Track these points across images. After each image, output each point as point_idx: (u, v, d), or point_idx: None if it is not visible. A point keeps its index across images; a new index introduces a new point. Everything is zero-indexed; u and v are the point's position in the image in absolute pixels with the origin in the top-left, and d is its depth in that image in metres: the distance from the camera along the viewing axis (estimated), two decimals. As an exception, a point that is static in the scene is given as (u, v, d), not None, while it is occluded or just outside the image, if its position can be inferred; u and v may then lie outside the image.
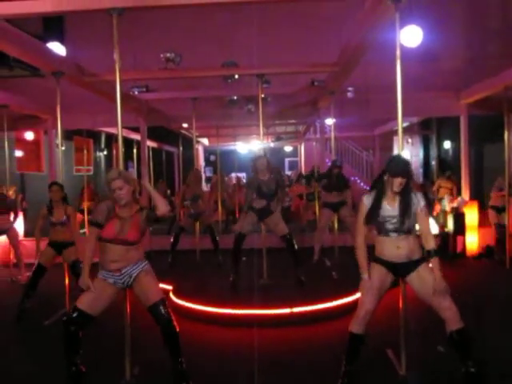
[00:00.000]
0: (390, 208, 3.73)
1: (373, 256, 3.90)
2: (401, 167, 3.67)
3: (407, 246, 3.76)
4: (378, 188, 3.81)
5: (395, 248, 3.76)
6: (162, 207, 3.83)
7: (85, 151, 12.32)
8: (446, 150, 14.01)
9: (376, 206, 3.75)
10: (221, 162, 13.40)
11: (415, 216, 3.76)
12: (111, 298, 3.94)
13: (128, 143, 14.07)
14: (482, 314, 5.89)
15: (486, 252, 9.75)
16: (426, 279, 3.76)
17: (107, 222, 3.80)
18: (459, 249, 9.91)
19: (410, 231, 3.77)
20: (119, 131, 4.42)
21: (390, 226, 3.73)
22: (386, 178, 3.73)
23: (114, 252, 3.83)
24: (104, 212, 3.82)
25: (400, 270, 3.83)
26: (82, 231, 11.95)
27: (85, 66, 6.83)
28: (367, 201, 3.82)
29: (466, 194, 10.30)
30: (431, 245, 3.81)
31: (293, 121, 13.82)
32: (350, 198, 8.39)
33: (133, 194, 3.84)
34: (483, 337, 4.80)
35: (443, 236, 10.02)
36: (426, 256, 3.81)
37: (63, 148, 7.14)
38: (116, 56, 4.43)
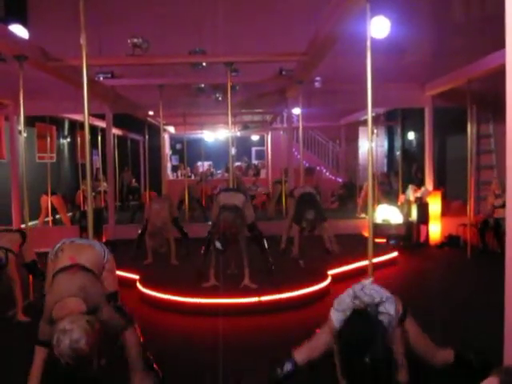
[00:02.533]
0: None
1: None
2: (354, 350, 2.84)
3: None
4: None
5: None
6: None
7: (48, 138, 12.08)
8: (410, 141, 14.25)
9: None
10: (187, 151, 13.30)
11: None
12: None
13: (93, 130, 13.78)
14: (446, 299, 6.06)
15: (449, 241, 10.00)
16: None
17: None
18: (423, 238, 10.16)
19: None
20: (86, 118, 4.33)
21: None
22: None
23: None
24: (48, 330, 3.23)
25: None
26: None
27: (49, 51, 6.64)
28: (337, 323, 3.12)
29: (429, 184, 10.51)
30: (450, 354, 3.52)
31: (260, 110, 13.80)
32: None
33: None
34: (448, 319, 4.93)
35: (407, 225, 10.23)
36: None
37: (25, 135, 6.96)
38: (82, 41, 4.32)
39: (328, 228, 8.02)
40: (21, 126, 6.56)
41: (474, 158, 10.09)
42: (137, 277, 6.99)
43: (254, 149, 21.27)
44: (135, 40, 6.24)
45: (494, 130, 10.57)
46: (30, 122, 12.15)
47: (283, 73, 7.89)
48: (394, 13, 5.38)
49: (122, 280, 7.27)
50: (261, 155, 20.39)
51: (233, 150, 14.86)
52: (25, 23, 5.72)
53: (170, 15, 5.96)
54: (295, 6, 5.68)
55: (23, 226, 8.21)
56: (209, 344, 4.81)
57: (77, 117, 12.46)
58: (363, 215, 11.72)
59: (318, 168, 17.94)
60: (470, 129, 9.08)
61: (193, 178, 17.95)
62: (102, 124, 11.84)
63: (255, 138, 19.75)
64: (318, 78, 8.94)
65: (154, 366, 3.89)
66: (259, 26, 6.43)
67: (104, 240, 10.35)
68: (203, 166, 18.12)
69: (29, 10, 5.69)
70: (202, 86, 9.24)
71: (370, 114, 4.35)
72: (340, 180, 17.58)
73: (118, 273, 7.41)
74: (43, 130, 12.35)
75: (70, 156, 15.63)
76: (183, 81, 9.01)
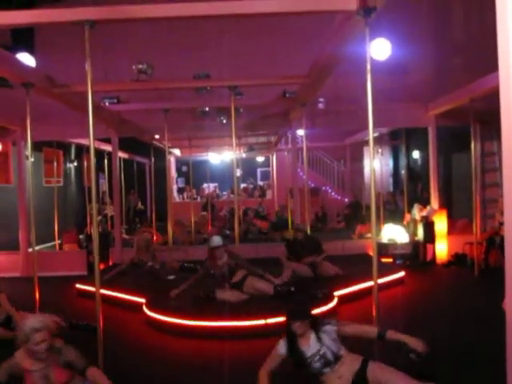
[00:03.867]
0: (306, 347, 3.62)
1: None
2: (296, 311, 3.68)
3: (347, 369, 3.58)
4: (289, 335, 3.67)
5: (337, 380, 3.57)
6: None
7: (55, 163, 12.20)
8: (415, 160, 14.26)
9: (295, 352, 3.64)
10: (193, 173, 13.37)
11: (336, 339, 3.64)
12: None
13: (99, 154, 13.89)
14: (453, 319, 6.01)
15: (455, 259, 9.95)
16: (383, 368, 3.59)
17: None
18: (429, 257, 10.11)
19: (338, 357, 3.60)
20: (91, 144, 4.38)
21: (317, 365, 3.58)
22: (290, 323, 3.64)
23: None
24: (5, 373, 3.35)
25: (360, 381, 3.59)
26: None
27: (55, 77, 6.76)
28: (282, 350, 3.68)
29: (435, 202, 10.50)
30: (373, 330, 3.70)
31: (264, 131, 13.90)
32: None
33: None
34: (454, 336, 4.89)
35: (414, 244, 10.19)
36: (380, 340, 3.64)
37: (32, 159, 7.05)
38: (88, 68, 4.40)
39: None
40: (28, 151, 6.64)
41: (478, 175, 10.09)
42: (143, 300, 6.99)
43: (259, 170, 21.35)
44: (140, 66, 6.33)
45: (499, 148, 10.57)
46: (38, 146, 12.29)
47: (287, 95, 7.97)
48: (394, 34, 5.44)
49: (128, 303, 7.34)
50: (266, 176, 20.46)
51: (238, 172, 14.99)
52: (32, 51, 5.81)
53: (174, 40, 6.05)
54: (298, 30, 5.75)
55: (30, 250, 8.26)
56: (215, 367, 4.79)
57: (83, 141, 12.58)
58: (369, 235, 11.68)
59: (323, 188, 17.96)
60: (474, 147, 9.10)
61: (199, 199, 18.02)
62: (108, 148, 11.96)
63: (260, 159, 19.82)
64: (321, 99, 9.01)
65: None
66: (262, 49, 6.51)
67: (111, 263, 10.37)
68: (209, 187, 18.20)
69: (36, 37, 5.79)
70: (207, 109, 9.33)
71: (371, 135, 4.38)
72: (346, 200, 17.58)
73: (125, 296, 7.48)
74: (50, 154, 12.48)
75: (76, 180, 15.74)
76: (188, 105, 9.11)
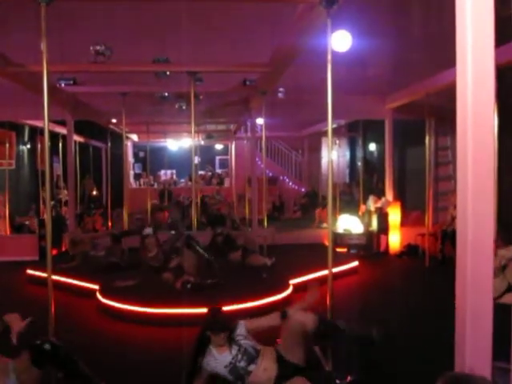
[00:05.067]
0: (226, 353, 3.62)
1: None
2: (219, 323, 3.69)
3: (268, 359, 3.64)
4: (203, 345, 3.68)
5: (263, 372, 3.60)
6: None
7: (7, 144, 11.81)
8: (371, 152, 14.51)
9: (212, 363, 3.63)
10: (150, 159, 13.20)
11: (248, 336, 3.74)
12: None
13: (53, 137, 13.52)
14: (404, 307, 6.18)
15: (408, 250, 10.20)
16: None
17: None
18: (383, 247, 10.35)
19: (257, 351, 3.67)
20: (45, 126, 4.25)
21: (242, 364, 3.59)
22: (209, 334, 3.65)
23: None
24: None
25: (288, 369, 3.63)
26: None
27: (9, 56, 6.51)
28: (206, 364, 3.65)
29: (389, 194, 10.72)
30: (275, 316, 3.79)
31: (224, 119, 13.83)
32: None
33: None
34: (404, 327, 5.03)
35: (368, 235, 10.40)
36: (284, 318, 3.72)
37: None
38: (43, 47, 4.25)
39: None
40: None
41: (432, 169, 10.34)
42: (96, 287, 6.88)
43: (217, 158, 21.26)
44: (98, 47, 6.16)
45: (452, 142, 10.88)
46: (-12, 128, 11.87)
47: (247, 83, 7.95)
48: (355, 27, 5.50)
49: (81, 290, 7.22)
50: (225, 164, 20.40)
51: (196, 159, 14.87)
52: (-17, 28, 5.58)
53: (134, 23, 5.92)
54: (259, 18, 5.72)
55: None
56: (171, 355, 4.77)
57: (38, 123, 12.21)
58: (325, 225, 11.85)
59: (281, 177, 18.07)
60: (429, 141, 9.32)
61: (155, 186, 17.80)
62: (63, 130, 11.65)
63: (219, 147, 19.76)
64: (281, 89, 9.03)
65: None
66: (224, 36, 6.45)
67: (63, 249, 10.16)
68: (166, 174, 18.01)
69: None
70: (166, 94, 9.20)
71: (330, 126, 4.42)
72: (303, 189, 17.74)
73: (78, 282, 7.35)
74: (2, 136, 12.05)
75: (29, 163, 15.27)
76: (146, 89, 8.95)
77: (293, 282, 7.07)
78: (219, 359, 3.61)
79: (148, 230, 7.05)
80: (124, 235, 8.38)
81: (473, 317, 2.58)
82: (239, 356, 3.59)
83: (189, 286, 6.38)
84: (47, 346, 3.26)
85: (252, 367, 3.58)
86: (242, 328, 3.75)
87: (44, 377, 3.29)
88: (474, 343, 2.58)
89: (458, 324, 2.68)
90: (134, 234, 8.07)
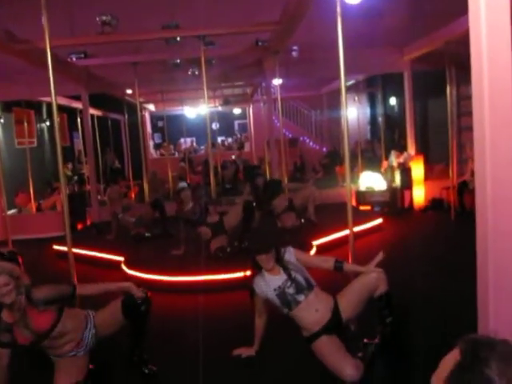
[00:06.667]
0: (278, 276, 3.59)
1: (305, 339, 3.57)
2: (259, 244, 3.68)
3: (324, 305, 3.56)
4: (256, 269, 3.68)
5: (314, 312, 3.52)
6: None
7: (25, 123, 11.85)
8: (392, 107, 14.20)
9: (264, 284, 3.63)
10: (168, 128, 13.14)
11: (300, 266, 3.67)
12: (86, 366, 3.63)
13: (72, 113, 13.56)
14: (429, 262, 6.11)
15: (432, 204, 10.05)
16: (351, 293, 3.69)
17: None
18: (407, 203, 10.20)
19: (310, 285, 3.58)
20: (53, 102, 4.23)
21: (290, 290, 3.53)
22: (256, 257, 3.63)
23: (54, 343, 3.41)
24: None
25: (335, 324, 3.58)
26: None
27: (17, 33, 6.44)
28: (257, 287, 3.67)
29: (411, 148, 10.51)
30: (331, 261, 3.78)
31: (239, 83, 13.63)
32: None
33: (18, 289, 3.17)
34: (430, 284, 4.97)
35: (391, 191, 10.25)
36: (338, 270, 3.75)
37: (2, 121, 6.81)
38: (44, 21, 4.18)
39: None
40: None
41: (455, 120, 10.08)
42: (122, 258, 6.96)
43: (236, 122, 21.12)
44: (104, 17, 6.05)
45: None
46: (8, 107, 11.91)
47: (259, 44, 7.77)
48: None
49: (106, 262, 7.31)
50: (244, 128, 20.26)
51: (215, 125, 14.76)
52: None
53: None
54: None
55: (3, 214, 8.12)
56: (197, 320, 4.81)
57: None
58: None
59: (301, 138, 17.87)
60: (450, 91, 9.05)
61: (176, 155, 17.82)
62: (80, 105, 11.63)
63: (237, 111, 19.56)
64: (295, 48, 8.80)
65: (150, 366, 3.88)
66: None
67: (89, 223, 10.28)
68: (186, 142, 17.96)
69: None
70: (178, 61, 9.07)
71: (343, 82, 4.27)
72: (324, 149, 17.54)
73: (103, 255, 7.44)
74: (20, 114, 12.10)
75: (50, 140, 15.37)
76: (157, 57, 8.84)
77: (316, 242, 7.03)
78: (269, 282, 3.59)
79: (183, 184, 6.95)
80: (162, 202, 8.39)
81: (495, 278, 2.46)
82: (289, 282, 3.54)
83: (221, 255, 6.43)
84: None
85: (301, 297, 3.51)
86: (290, 254, 3.69)
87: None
88: (496, 304, 2.48)
89: (479, 286, 2.57)
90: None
